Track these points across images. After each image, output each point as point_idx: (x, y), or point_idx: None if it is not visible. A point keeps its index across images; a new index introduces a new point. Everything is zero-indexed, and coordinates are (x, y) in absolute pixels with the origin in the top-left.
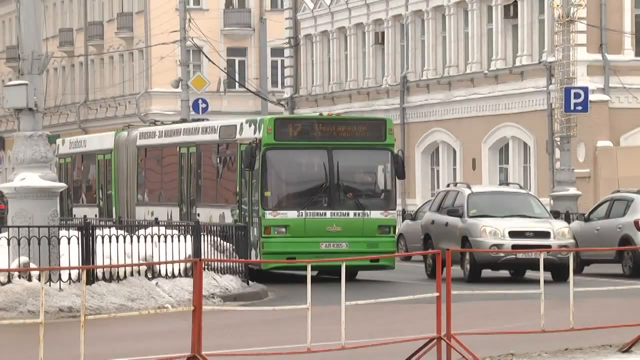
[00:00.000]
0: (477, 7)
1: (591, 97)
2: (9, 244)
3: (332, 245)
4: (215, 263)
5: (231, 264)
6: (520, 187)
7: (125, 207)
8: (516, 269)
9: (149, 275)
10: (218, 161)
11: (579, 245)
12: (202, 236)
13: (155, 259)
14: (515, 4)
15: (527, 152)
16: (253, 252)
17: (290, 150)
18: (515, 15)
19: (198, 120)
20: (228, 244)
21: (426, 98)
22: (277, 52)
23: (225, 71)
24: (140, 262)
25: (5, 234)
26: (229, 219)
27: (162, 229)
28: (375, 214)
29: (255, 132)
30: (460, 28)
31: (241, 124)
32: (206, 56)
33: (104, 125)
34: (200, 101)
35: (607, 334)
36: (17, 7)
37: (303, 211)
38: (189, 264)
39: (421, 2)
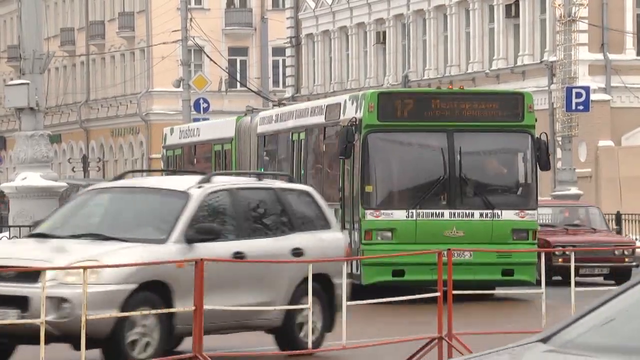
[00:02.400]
0: (479, 6)
1: (592, 96)
2: None
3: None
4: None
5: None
6: None
7: None
8: None
9: None
10: (323, 149)
11: None
12: None
13: None
14: (516, 3)
15: None
16: (353, 262)
17: (399, 134)
18: (517, 15)
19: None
20: None
21: None
22: (279, 51)
23: (227, 71)
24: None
25: (6, 234)
26: None
27: None
28: (509, 215)
29: (356, 111)
30: (461, 27)
31: (345, 101)
32: (207, 56)
33: (106, 125)
34: (201, 101)
35: None
36: (18, 6)
37: (414, 211)
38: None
39: (423, 1)
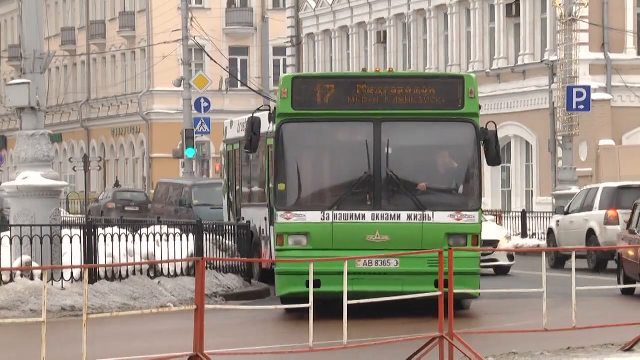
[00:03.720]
0: (480, 6)
1: (593, 96)
2: (11, 243)
3: (375, 264)
4: (218, 262)
5: (233, 262)
6: None
7: None
8: None
9: (152, 274)
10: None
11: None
12: (205, 235)
13: (158, 258)
14: (517, 3)
15: (529, 151)
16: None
17: (317, 124)
18: (518, 14)
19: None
20: (230, 242)
21: None
22: (279, 51)
23: (227, 70)
24: (143, 261)
25: (7, 233)
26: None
27: (165, 227)
28: (442, 217)
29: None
30: (462, 27)
31: None
32: (208, 55)
33: (106, 124)
34: (202, 100)
35: (609, 333)
36: (19, 6)
37: (330, 212)
38: (191, 263)
39: (423, 1)
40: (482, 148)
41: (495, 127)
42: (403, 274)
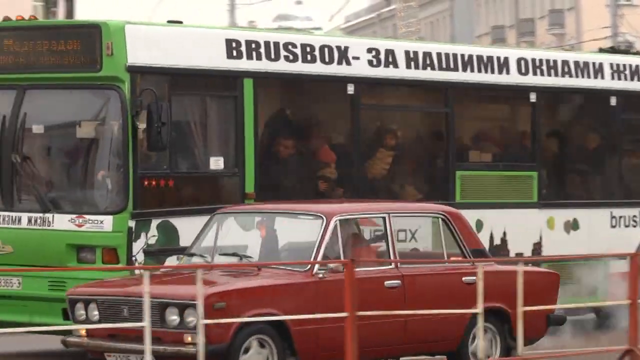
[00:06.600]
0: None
1: None
2: None
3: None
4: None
5: None
6: None
7: None
8: None
9: None
10: None
11: None
12: None
13: None
14: None
15: None
16: None
17: None
18: None
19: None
20: None
21: None
22: None
23: None
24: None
25: None
26: None
27: None
28: (62, 222)
29: None
30: None
31: None
32: (637, 53)
33: None
34: None
35: None
36: (450, 5)
37: None
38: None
39: None
40: (135, 125)
41: (155, 95)
42: (27, 299)
